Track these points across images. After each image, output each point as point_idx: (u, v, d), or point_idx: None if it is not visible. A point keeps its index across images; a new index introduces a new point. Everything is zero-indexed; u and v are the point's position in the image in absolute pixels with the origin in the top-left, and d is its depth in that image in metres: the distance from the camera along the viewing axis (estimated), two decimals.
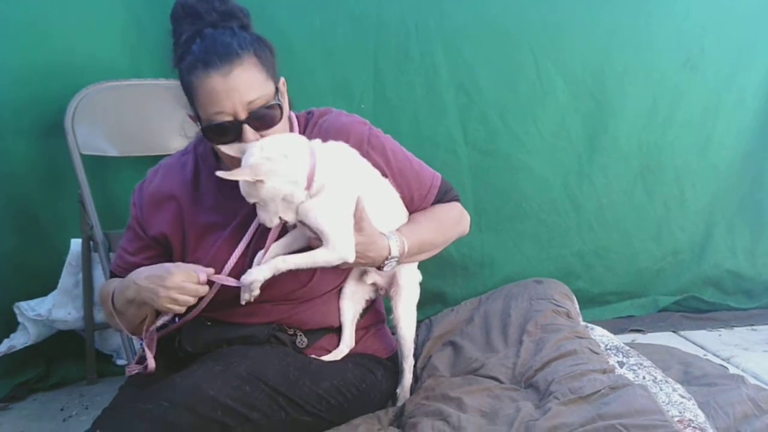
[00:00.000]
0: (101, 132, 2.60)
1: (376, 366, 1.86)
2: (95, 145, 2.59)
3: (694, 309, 3.28)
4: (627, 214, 3.23)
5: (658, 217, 3.27)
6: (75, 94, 2.55)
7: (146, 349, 1.70)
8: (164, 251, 1.80)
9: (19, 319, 2.63)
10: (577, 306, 2.17)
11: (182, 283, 1.57)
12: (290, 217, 1.61)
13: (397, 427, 1.73)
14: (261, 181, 1.51)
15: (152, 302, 1.59)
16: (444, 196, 1.91)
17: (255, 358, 1.62)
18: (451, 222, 1.91)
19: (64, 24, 2.58)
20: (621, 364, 1.81)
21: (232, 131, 1.59)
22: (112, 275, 1.86)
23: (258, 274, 1.59)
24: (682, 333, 3.03)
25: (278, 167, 1.53)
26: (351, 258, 1.62)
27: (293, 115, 1.80)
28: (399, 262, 1.73)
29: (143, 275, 1.61)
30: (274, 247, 1.67)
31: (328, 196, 1.61)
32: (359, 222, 1.63)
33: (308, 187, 1.58)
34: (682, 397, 1.65)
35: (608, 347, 1.93)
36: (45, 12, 2.55)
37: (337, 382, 1.71)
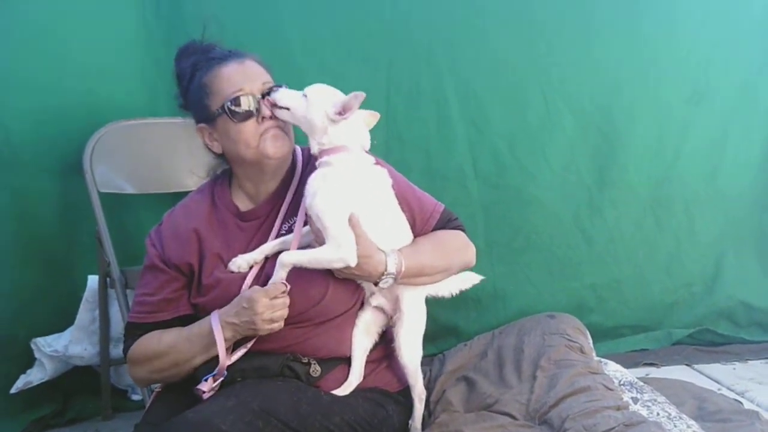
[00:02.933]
0: (119, 170, 2.66)
1: (386, 400, 1.88)
2: (113, 183, 2.64)
3: (708, 342, 3.28)
4: (638, 247, 3.26)
5: (669, 249, 3.30)
6: (93, 133, 2.61)
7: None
8: (186, 281, 1.87)
9: (36, 354, 2.65)
10: (591, 341, 2.18)
11: (271, 302, 1.68)
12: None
13: None
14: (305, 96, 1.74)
15: (253, 332, 1.72)
16: (447, 224, 1.96)
17: (267, 393, 1.65)
18: (453, 248, 1.95)
19: (84, 65, 2.65)
20: (635, 400, 1.82)
21: (250, 105, 1.76)
22: (133, 327, 1.89)
23: (275, 275, 1.71)
24: (696, 366, 3.02)
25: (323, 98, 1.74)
26: (353, 261, 1.70)
27: (297, 148, 1.94)
28: (396, 280, 1.78)
29: (229, 314, 1.72)
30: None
31: (332, 187, 1.71)
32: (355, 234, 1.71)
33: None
34: None
35: (622, 383, 1.94)
36: (66, 53, 2.63)
37: (348, 417, 1.73)
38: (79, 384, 2.79)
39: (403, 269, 1.77)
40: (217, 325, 1.72)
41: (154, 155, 2.73)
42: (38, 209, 2.67)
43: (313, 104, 1.74)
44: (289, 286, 1.71)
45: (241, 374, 1.75)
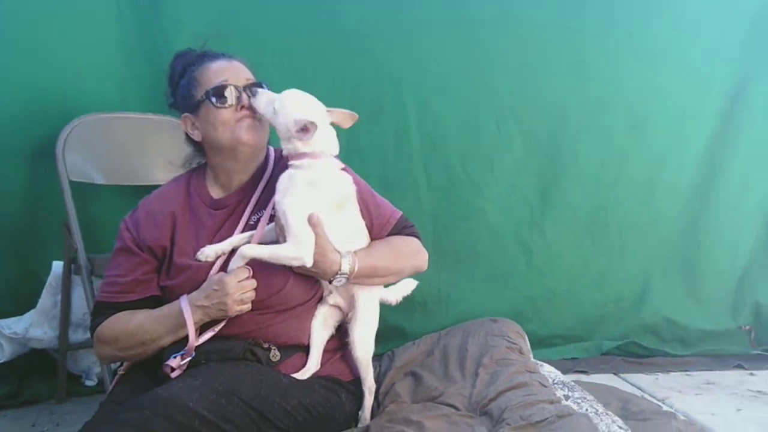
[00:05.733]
0: (90, 160, 2.75)
1: (339, 388, 2.00)
2: (83, 172, 2.73)
3: (634, 354, 3.48)
4: (573, 263, 3.48)
5: (601, 266, 3.52)
6: (67, 123, 2.69)
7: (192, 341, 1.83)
8: (158, 264, 1.98)
9: None
10: (529, 344, 2.35)
11: (240, 284, 1.81)
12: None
13: None
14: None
15: (223, 314, 1.83)
16: (402, 230, 2.11)
17: (230, 374, 1.75)
18: (406, 253, 2.08)
19: (61, 59, 2.76)
20: (566, 397, 1.98)
21: (231, 94, 1.91)
22: (103, 305, 1.97)
23: (232, 263, 1.83)
24: (622, 375, 3.22)
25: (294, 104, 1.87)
26: (309, 261, 1.82)
27: (271, 148, 2.08)
28: (348, 279, 1.91)
29: (199, 298, 1.83)
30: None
31: (300, 188, 1.83)
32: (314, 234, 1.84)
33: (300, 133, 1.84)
34: (620, 428, 1.84)
35: (555, 382, 2.11)
36: (44, 47, 2.73)
37: (304, 400, 1.84)
38: (34, 367, 2.84)
39: (356, 270, 1.90)
40: (187, 308, 1.82)
41: (125, 148, 2.83)
42: (5, 195, 2.74)
43: (279, 116, 1.86)
44: (251, 271, 1.83)
45: (206, 356, 1.84)
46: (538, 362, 2.28)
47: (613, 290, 3.54)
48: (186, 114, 2.00)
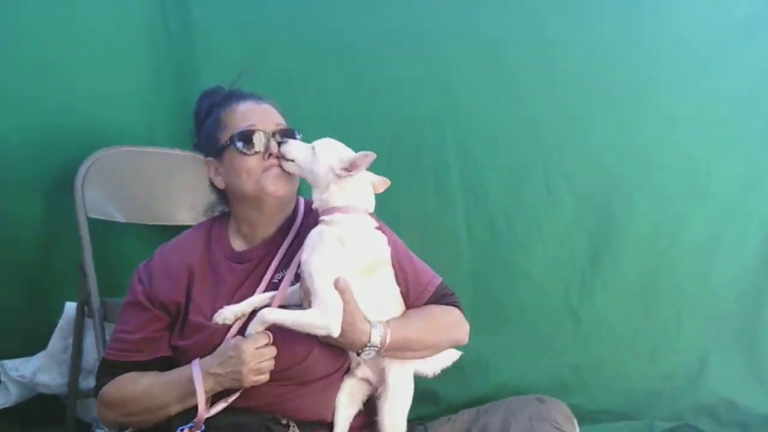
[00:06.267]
0: (110, 196, 2.63)
1: None
2: (103, 209, 2.61)
3: None
4: (624, 332, 3.23)
5: (654, 338, 3.26)
6: (88, 155, 2.58)
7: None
8: (170, 322, 1.82)
9: (2, 378, 2.61)
10: (578, 430, 2.12)
11: (258, 351, 1.64)
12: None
13: None
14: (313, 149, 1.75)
15: (238, 384, 1.65)
16: (441, 298, 1.91)
17: None
18: (444, 325, 1.90)
19: (88, 88, 2.66)
20: None
21: (259, 140, 1.77)
22: (108, 364, 1.83)
23: (251, 327, 1.66)
24: None
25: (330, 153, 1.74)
26: (336, 330, 1.64)
27: (301, 199, 1.92)
28: (379, 353, 1.73)
29: (213, 364, 1.66)
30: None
31: (328, 248, 1.68)
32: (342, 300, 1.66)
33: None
34: None
35: None
36: (71, 75, 2.64)
37: None
38: (42, 413, 2.72)
39: (387, 342, 1.71)
40: (198, 375, 1.66)
41: (148, 185, 2.70)
42: (20, 229, 2.65)
43: (320, 157, 1.73)
44: (272, 337, 1.67)
45: (217, 431, 1.68)
46: None
47: (666, 364, 3.27)
48: (209, 158, 1.87)
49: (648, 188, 3.20)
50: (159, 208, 2.68)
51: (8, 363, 2.60)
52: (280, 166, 1.77)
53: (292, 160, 1.75)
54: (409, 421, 2.21)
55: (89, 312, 2.52)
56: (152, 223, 2.66)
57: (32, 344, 2.65)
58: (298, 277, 1.76)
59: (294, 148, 1.76)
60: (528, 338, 3.15)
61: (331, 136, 2.87)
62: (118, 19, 2.72)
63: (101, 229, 2.62)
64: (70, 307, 2.62)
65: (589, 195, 3.16)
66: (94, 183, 2.57)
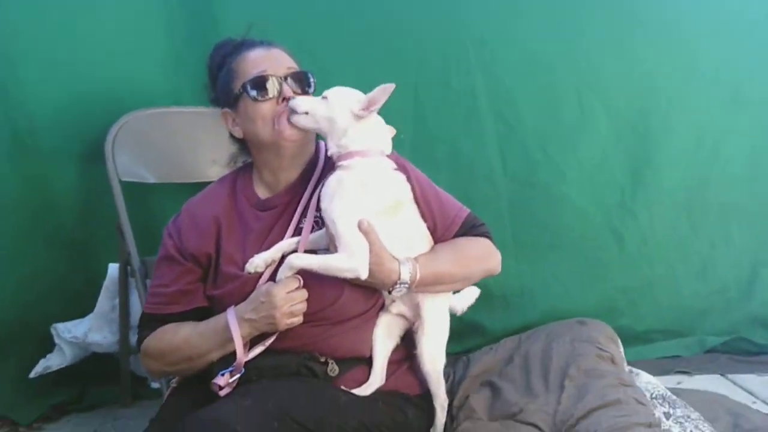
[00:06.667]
0: (140, 158, 2.62)
1: (406, 405, 1.83)
2: (134, 171, 2.61)
3: (743, 351, 3.15)
4: (671, 250, 3.16)
5: (703, 253, 3.19)
6: (116, 120, 2.58)
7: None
8: (203, 273, 1.85)
9: (56, 340, 2.66)
10: (622, 350, 2.10)
11: (289, 295, 1.65)
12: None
13: None
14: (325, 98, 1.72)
15: (273, 327, 1.68)
16: (470, 229, 1.89)
17: (283, 393, 1.61)
18: (474, 256, 1.88)
19: (108, 53, 2.62)
20: (667, 416, 1.74)
21: (272, 86, 1.76)
22: (148, 318, 1.87)
23: (280, 272, 1.67)
24: (730, 376, 2.89)
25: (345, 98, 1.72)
26: (364, 273, 1.65)
27: (321, 142, 1.89)
28: (410, 289, 1.73)
29: (246, 311, 1.69)
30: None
31: (348, 193, 1.67)
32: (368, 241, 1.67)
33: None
34: None
35: (654, 396, 1.87)
36: (90, 41, 2.61)
37: (366, 419, 1.69)
38: (98, 370, 2.78)
39: (417, 278, 1.71)
40: (234, 322, 1.69)
41: (177, 144, 2.68)
42: (60, 196, 2.67)
43: (335, 103, 1.71)
44: (302, 281, 1.68)
45: (257, 373, 1.70)
46: (634, 371, 2.04)
47: (717, 279, 3.20)
48: (226, 109, 1.86)
49: (687, 99, 3.09)
50: (188, 167, 2.66)
51: (60, 326, 2.64)
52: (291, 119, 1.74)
53: (306, 113, 1.72)
54: (455, 353, 2.22)
55: (131, 272, 2.56)
56: (183, 182, 2.65)
57: (82, 307, 2.69)
58: (318, 223, 1.76)
59: (304, 101, 1.74)
60: (572, 264, 3.09)
61: (354, 77, 2.81)
62: None
63: (135, 191, 2.63)
64: (113, 268, 2.65)
65: (626, 111, 3.06)
66: (124, 147, 2.58)
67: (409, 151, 2.82)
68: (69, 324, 2.67)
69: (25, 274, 2.65)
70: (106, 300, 2.67)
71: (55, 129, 2.60)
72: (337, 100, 1.72)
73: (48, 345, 2.66)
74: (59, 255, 2.69)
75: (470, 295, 1.98)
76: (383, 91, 1.67)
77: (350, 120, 1.71)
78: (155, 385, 2.81)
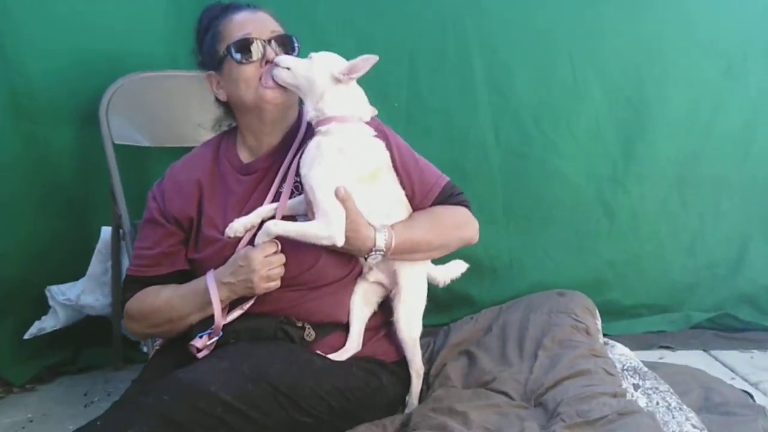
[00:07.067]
0: (135, 122, 2.62)
1: (381, 371, 1.86)
2: (128, 135, 2.61)
3: (728, 327, 3.16)
4: (661, 225, 3.16)
5: (692, 228, 3.19)
6: (111, 83, 2.58)
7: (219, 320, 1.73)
8: (185, 236, 1.88)
9: (50, 302, 2.68)
10: (599, 322, 2.11)
11: (267, 259, 1.68)
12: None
13: None
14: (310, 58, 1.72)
15: (251, 291, 1.71)
16: (449, 198, 1.91)
17: (259, 356, 1.64)
18: (451, 224, 1.90)
19: (104, 14, 2.62)
20: (636, 387, 1.76)
21: (256, 48, 1.76)
22: (131, 280, 1.90)
23: (258, 238, 1.70)
24: (712, 352, 2.92)
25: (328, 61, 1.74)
26: (340, 240, 1.67)
27: (304, 108, 1.87)
28: (385, 256, 1.75)
29: (225, 274, 1.72)
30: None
31: (326, 160, 1.68)
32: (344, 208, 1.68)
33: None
34: (695, 427, 1.60)
35: (626, 368, 1.88)
36: (89, 6, 2.60)
37: (340, 384, 1.72)
38: (91, 333, 2.81)
39: (393, 245, 1.74)
40: (213, 285, 1.72)
41: (171, 108, 2.69)
42: (55, 158, 2.68)
43: (317, 64, 1.72)
44: (279, 246, 1.70)
45: (234, 335, 1.74)
46: (609, 342, 2.05)
47: (705, 255, 3.20)
48: (210, 72, 1.87)
49: (681, 71, 3.05)
50: (183, 131, 2.66)
51: (54, 288, 2.67)
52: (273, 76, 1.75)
53: (288, 68, 1.73)
54: (444, 324, 2.25)
55: (123, 235, 2.58)
56: (177, 146, 2.63)
57: (76, 269, 2.71)
58: (297, 189, 1.78)
59: (287, 57, 1.75)
60: (562, 237, 3.11)
61: (351, 42, 2.82)
62: None
63: (129, 154, 2.64)
64: (106, 231, 2.67)
65: (620, 82, 3.04)
66: (118, 110, 2.58)
67: (403, 120, 2.89)
68: (63, 286, 2.69)
69: (20, 236, 2.65)
70: (98, 263, 2.69)
71: (53, 91, 2.60)
72: (320, 61, 1.73)
73: (43, 307, 2.69)
74: (54, 217, 2.71)
75: (456, 268, 1.99)
76: (365, 61, 1.69)
77: (329, 83, 1.71)
78: (147, 348, 2.86)
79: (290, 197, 1.80)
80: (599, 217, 3.12)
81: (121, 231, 2.60)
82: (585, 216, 3.12)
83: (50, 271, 2.71)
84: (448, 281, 1.96)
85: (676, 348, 2.95)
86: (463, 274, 2.00)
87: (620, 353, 1.99)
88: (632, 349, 2.15)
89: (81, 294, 2.67)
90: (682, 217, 3.17)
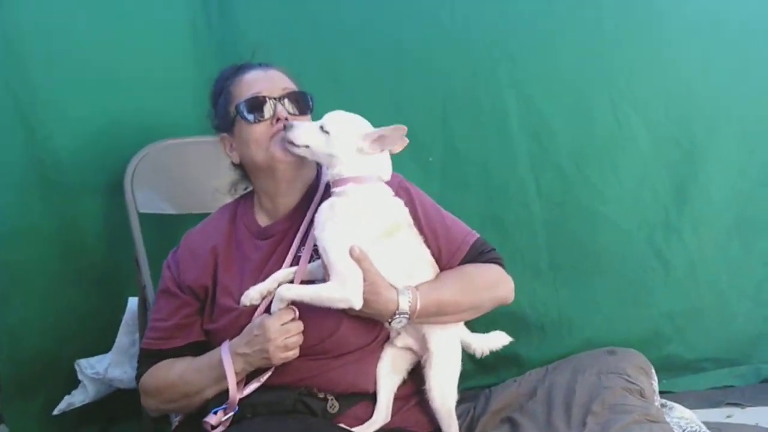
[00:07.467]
0: (160, 190, 2.60)
1: None
2: (154, 203, 2.59)
3: None
4: (721, 272, 2.98)
5: (756, 274, 3.00)
6: (137, 152, 2.56)
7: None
8: (200, 306, 1.82)
9: (79, 376, 2.65)
10: (655, 382, 1.93)
11: (283, 327, 1.60)
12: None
13: None
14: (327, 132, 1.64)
15: (267, 362, 1.62)
16: (479, 256, 1.80)
17: None
18: (481, 283, 1.78)
19: (136, 83, 2.62)
20: None
21: (267, 107, 1.72)
22: (146, 354, 1.85)
23: (273, 305, 1.61)
24: None
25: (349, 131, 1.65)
26: (357, 303, 1.57)
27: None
28: (410, 319, 1.64)
29: (240, 344, 1.64)
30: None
31: (340, 219, 1.61)
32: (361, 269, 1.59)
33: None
34: None
35: None
36: (118, 70, 2.60)
37: None
38: (121, 407, 2.73)
39: (418, 307, 1.62)
40: (227, 357, 1.64)
41: (196, 175, 2.64)
42: (83, 230, 2.67)
43: (338, 138, 1.64)
44: (297, 312, 1.61)
45: (251, 410, 1.65)
46: (668, 404, 1.86)
47: None
48: (223, 134, 1.84)
49: (733, 108, 2.89)
50: (207, 196, 2.62)
51: (83, 362, 2.63)
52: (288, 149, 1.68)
53: (306, 146, 1.65)
54: (491, 385, 2.10)
55: (149, 305, 2.50)
56: (203, 212, 2.59)
57: (107, 342, 2.66)
58: (318, 250, 1.69)
59: (302, 132, 1.66)
60: (614, 289, 2.94)
61: (382, 94, 2.75)
62: (160, 16, 2.68)
63: (156, 222, 2.61)
64: (133, 302, 2.63)
65: (666, 123, 2.89)
66: (143, 179, 2.56)
67: (438, 175, 2.83)
68: (92, 360, 2.65)
69: (50, 310, 2.64)
70: (125, 335, 2.64)
71: (80, 162, 2.60)
72: (340, 133, 1.65)
73: (73, 381, 2.65)
74: (84, 290, 2.69)
75: (496, 340, 1.84)
76: (396, 130, 1.62)
77: (354, 155, 1.64)
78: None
79: (310, 261, 1.70)
80: (653, 266, 2.95)
81: (147, 301, 2.53)
82: (637, 265, 2.95)
83: (80, 344, 2.68)
84: (486, 352, 1.81)
85: (745, 405, 2.74)
86: (511, 332, 1.84)
87: (680, 416, 1.80)
88: (697, 407, 2.02)
89: (109, 367, 2.61)
90: (744, 263, 2.98)
